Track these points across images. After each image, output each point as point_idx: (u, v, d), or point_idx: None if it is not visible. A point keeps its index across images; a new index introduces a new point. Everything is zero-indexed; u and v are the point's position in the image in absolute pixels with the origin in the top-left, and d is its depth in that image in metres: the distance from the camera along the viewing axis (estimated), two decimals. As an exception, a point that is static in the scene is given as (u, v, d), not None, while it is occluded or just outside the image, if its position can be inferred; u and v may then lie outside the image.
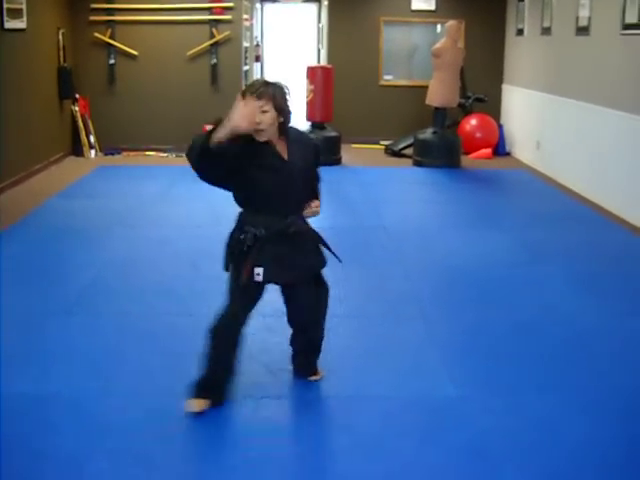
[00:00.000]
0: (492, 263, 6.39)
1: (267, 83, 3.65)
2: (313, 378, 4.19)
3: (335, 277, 5.87)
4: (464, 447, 3.57)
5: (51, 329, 4.85)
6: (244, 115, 3.44)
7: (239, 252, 3.70)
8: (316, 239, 3.94)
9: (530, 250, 6.77)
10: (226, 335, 3.80)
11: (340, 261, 4.06)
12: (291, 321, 4.13)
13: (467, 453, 3.52)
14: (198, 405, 3.77)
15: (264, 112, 3.55)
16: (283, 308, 4.11)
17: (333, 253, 4.03)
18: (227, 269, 3.82)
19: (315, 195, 3.92)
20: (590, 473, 3.39)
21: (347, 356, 4.53)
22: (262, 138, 3.62)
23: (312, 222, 3.93)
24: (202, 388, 3.80)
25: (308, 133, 3.83)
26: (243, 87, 4.00)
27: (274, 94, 3.60)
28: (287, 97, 3.67)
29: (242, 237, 3.68)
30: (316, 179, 3.95)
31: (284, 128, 3.69)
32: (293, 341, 4.22)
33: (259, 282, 3.72)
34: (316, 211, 3.83)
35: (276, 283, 3.90)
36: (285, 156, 3.71)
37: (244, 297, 3.78)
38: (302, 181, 3.79)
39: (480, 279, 5.99)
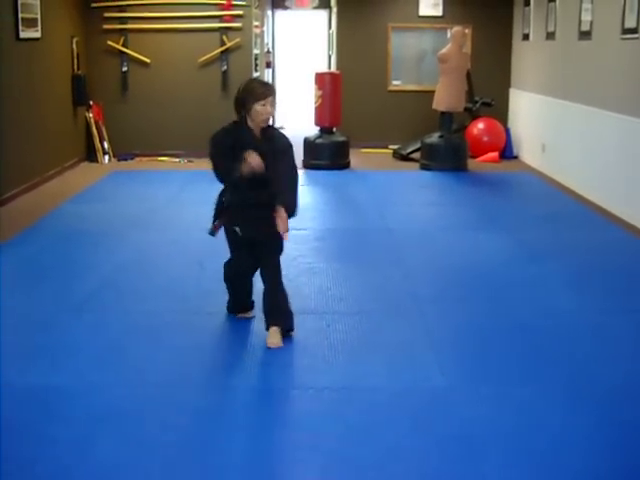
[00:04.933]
0: (491, 263, 6.56)
1: (267, 82, 4.88)
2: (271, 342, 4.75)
3: (336, 277, 6.10)
4: (450, 434, 3.74)
5: (62, 326, 5.06)
6: (258, 163, 4.47)
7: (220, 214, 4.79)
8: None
9: (530, 251, 6.91)
10: (238, 278, 4.99)
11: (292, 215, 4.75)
12: (263, 275, 4.89)
13: (453, 440, 3.69)
14: (247, 314, 5.12)
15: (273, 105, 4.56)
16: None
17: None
18: (212, 229, 4.83)
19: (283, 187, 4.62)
20: (569, 458, 3.55)
21: (342, 350, 4.72)
22: (265, 125, 4.61)
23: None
24: (235, 308, 5.13)
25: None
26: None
27: (275, 91, 4.65)
28: None
29: (224, 200, 4.77)
30: (289, 169, 4.67)
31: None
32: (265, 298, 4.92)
33: (240, 236, 4.76)
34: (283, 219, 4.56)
35: (250, 238, 4.79)
36: (260, 143, 4.59)
37: (238, 246, 4.82)
38: (270, 164, 4.57)
39: (478, 279, 6.15)
